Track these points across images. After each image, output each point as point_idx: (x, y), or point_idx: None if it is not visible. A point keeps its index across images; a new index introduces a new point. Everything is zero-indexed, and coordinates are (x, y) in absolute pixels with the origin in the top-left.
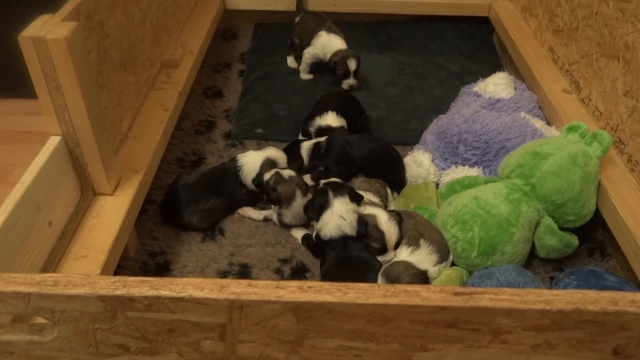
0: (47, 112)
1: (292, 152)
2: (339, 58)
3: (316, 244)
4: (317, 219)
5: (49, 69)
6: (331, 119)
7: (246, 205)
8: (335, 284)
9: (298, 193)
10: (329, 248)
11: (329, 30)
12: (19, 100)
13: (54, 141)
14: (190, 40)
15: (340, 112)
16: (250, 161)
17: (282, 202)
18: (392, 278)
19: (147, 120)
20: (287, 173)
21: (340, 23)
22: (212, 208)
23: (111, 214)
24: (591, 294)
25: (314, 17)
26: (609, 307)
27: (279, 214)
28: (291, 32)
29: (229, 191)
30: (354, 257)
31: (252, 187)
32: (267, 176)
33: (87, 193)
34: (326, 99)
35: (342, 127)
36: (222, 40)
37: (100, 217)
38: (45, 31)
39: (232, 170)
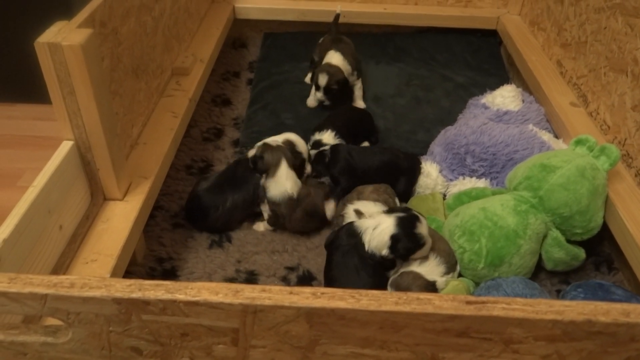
0: (60, 117)
1: None
2: (317, 69)
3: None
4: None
5: (64, 74)
6: (327, 137)
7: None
8: (349, 291)
9: (283, 162)
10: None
11: (337, 49)
12: (29, 105)
13: (66, 146)
14: (200, 48)
15: (340, 132)
16: (269, 141)
17: (267, 170)
18: (402, 289)
19: (157, 127)
20: (272, 140)
21: (348, 34)
22: (232, 206)
23: (121, 219)
24: (602, 305)
25: (334, 38)
26: (620, 318)
27: (265, 188)
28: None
29: (246, 182)
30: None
31: None
32: (254, 149)
33: (98, 198)
34: (334, 116)
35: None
36: (232, 49)
37: (110, 222)
38: (61, 37)
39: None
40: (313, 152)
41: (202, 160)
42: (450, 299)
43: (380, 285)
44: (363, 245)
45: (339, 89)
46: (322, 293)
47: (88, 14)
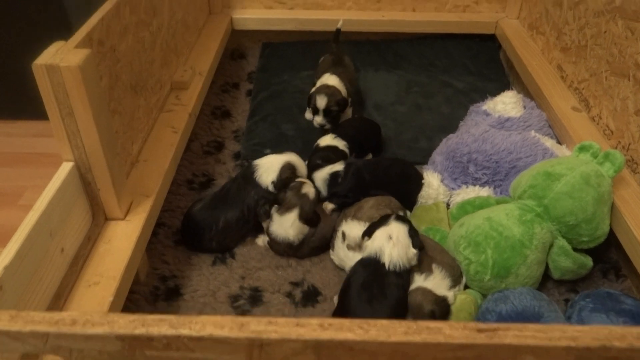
0: (59, 138)
1: None
2: (313, 91)
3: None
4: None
5: (62, 95)
6: (325, 140)
7: (257, 211)
8: (357, 321)
9: (295, 211)
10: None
11: (334, 73)
12: (29, 122)
13: (66, 167)
14: (199, 61)
15: (348, 140)
16: (269, 162)
17: (280, 205)
18: (414, 306)
19: (158, 143)
20: (306, 189)
21: (346, 42)
22: (226, 226)
23: (123, 239)
24: (617, 329)
25: (334, 60)
26: (636, 343)
27: (271, 216)
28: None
29: (240, 200)
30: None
31: (268, 187)
32: (293, 180)
33: (99, 218)
34: (344, 125)
35: (334, 147)
36: (230, 60)
37: (111, 242)
38: (58, 59)
39: (244, 173)
40: (322, 175)
41: (203, 174)
42: (462, 327)
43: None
44: (383, 266)
45: (339, 110)
46: (330, 324)
47: (85, 33)
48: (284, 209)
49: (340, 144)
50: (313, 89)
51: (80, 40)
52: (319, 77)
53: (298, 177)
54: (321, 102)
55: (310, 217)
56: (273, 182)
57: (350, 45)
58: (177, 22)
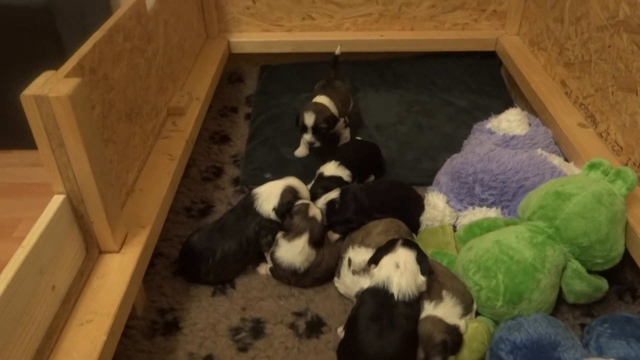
0: (50, 170)
1: None
2: (301, 109)
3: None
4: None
5: (52, 126)
6: (329, 169)
7: (257, 242)
8: None
9: (305, 236)
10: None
11: (324, 93)
12: (25, 152)
13: (57, 200)
14: (196, 86)
15: (348, 165)
16: (269, 189)
17: (288, 231)
18: (424, 337)
19: (154, 172)
20: (313, 212)
21: (345, 63)
22: (223, 258)
23: (117, 273)
24: None
25: (324, 84)
26: None
27: (276, 241)
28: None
29: (238, 231)
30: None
31: (269, 215)
32: (297, 203)
33: (93, 252)
34: (342, 149)
35: (339, 178)
36: (228, 83)
37: (106, 277)
38: (47, 89)
39: (244, 203)
40: (320, 203)
41: (202, 201)
42: None
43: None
44: (391, 296)
45: (328, 128)
46: None
47: (76, 61)
48: (293, 234)
49: (345, 173)
50: (302, 107)
51: (70, 69)
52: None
53: (300, 199)
54: (309, 119)
55: (320, 240)
56: (274, 209)
57: (349, 66)
58: (173, 47)
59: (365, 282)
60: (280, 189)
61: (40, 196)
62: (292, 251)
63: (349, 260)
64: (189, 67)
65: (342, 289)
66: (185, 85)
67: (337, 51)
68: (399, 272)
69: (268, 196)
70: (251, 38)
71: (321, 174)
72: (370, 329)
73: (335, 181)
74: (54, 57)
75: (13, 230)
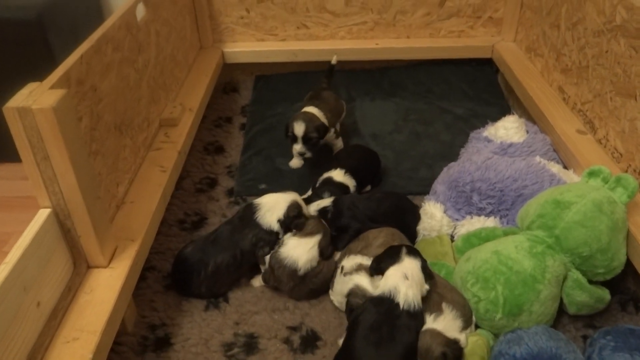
0: (35, 183)
1: None
2: (290, 119)
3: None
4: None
5: (36, 139)
6: (337, 175)
7: (253, 253)
8: None
9: (317, 238)
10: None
11: (311, 104)
12: (16, 165)
13: (42, 214)
14: (189, 97)
15: (350, 171)
16: (272, 201)
17: (298, 229)
18: (422, 350)
19: (145, 184)
20: (324, 223)
21: (340, 71)
22: (215, 270)
23: (105, 288)
24: None
25: (312, 95)
26: None
27: (282, 241)
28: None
29: (232, 243)
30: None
31: (270, 226)
32: (300, 219)
33: (80, 267)
34: (342, 156)
35: (346, 187)
36: (223, 94)
37: (93, 292)
38: (31, 101)
39: (242, 214)
40: (312, 208)
41: (195, 213)
42: None
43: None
44: (396, 306)
45: (319, 137)
46: None
47: (62, 72)
48: (305, 233)
49: (351, 183)
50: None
51: (56, 81)
52: None
53: (304, 216)
54: (299, 128)
55: (327, 249)
56: (279, 220)
57: (345, 75)
58: (166, 58)
59: (357, 279)
60: (286, 202)
61: (32, 210)
62: (301, 248)
63: (342, 268)
64: (182, 77)
65: (336, 301)
66: (178, 96)
67: (333, 60)
68: (407, 283)
69: (272, 207)
70: (245, 48)
71: (329, 179)
72: (369, 339)
73: (342, 189)
74: (45, 70)
75: (3, 245)
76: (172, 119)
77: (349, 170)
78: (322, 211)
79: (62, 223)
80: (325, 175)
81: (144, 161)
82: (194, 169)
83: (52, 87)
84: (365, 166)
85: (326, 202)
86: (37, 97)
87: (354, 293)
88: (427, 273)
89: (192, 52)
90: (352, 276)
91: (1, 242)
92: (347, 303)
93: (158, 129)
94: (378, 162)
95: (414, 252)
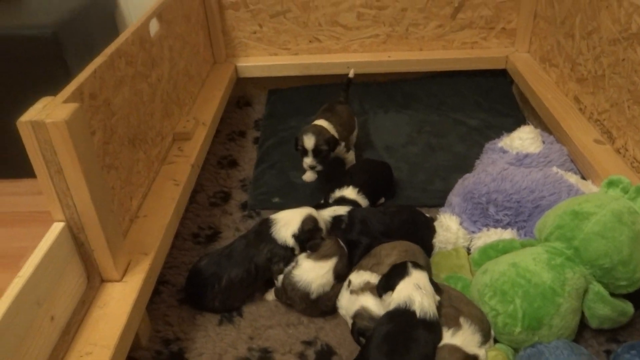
0: (49, 197)
1: None
2: (300, 132)
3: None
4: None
5: (50, 153)
6: (349, 193)
7: (268, 268)
8: None
9: (333, 261)
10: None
11: (323, 117)
12: (33, 180)
13: (56, 228)
14: (202, 111)
15: (361, 187)
16: (288, 216)
17: (312, 250)
18: None
19: (159, 197)
20: (342, 244)
21: (353, 84)
22: (228, 285)
23: (119, 302)
24: None
25: (325, 108)
26: None
27: (295, 261)
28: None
29: (247, 258)
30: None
31: (285, 242)
32: (316, 233)
33: (94, 281)
34: (353, 170)
35: (358, 204)
36: (236, 108)
37: (107, 306)
38: (45, 114)
39: (258, 229)
40: (326, 215)
41: (209, 227)
42: None
43: None
44: (414, 314)
45: (329, 150)
46: None
47: (76, 87)
48: (320, 255)
49: (364, 202)
50: (301, 130)
51: (69, 95)
52: None
53: (320, 229)
54: (309, 141)
55: (343, 273)
56: (294, 235)
57: (358, 88)
58: (179, 72)
59: (363, 301)
60: (301, 216)
61: (48, 225)
62: (315, 272)
63: (349, 282)
64: (196, 92)
65: (341, 311)
66: (191, 111)
67: (351, 74)
68: (420, 292)
69: (287, 222)
70: (258, 62)
71: (342, 198)
72: (381, 349)
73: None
74: (61, 85)
75: (19, 260)
76: (185, 133)
77: (362, 188)
78: (337, 219)
79: (75, 236)
80: (338, 193)
81: (157, 175)
82: (208, 183)
83: (65, 101)
84: (378, 181)
85: (342, 210)
86: (50, 110)
87: (361, 315)
88: (436, 285)
89: (206, 67)
90: (359, 297)
91: (18, 256)
92: (354, 325)
93: (171, 143)
94: (390, 175)
95: (419, 266)
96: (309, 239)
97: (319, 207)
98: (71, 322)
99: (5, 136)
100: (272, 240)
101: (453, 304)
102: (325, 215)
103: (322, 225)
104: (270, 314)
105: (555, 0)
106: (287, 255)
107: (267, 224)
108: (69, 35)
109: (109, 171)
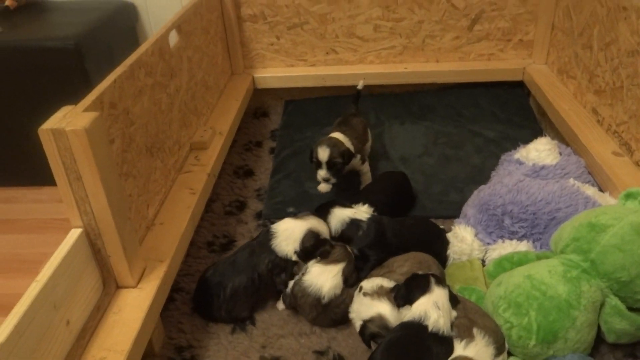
0: (67, 204)
1: (321, 215)
2: (315, 144)
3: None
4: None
5: (69, 160)
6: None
7: (270, 279)
8: None
9: (341, 266)
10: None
11: (338, 130)
12: (55, 188)
13: (74, 234)
14: (220, 121)
15: (377, 205)
16: (289, 229)
17: (322, 257)
18: None
19: (175, 206)
20: (350, 251)
21: (370, 95)
22: (233, 293)
23: (133, 308)
24: None
25: (341, 121)
26: None
27: (305, 268)
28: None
29: (250, 266)
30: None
31: (286, 255)
32: (318, 247)
33: (110, 287)
34: (368, 188)
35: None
36: (253, 118)
37: (122, 312)
38: (65, 123)
39: (261, 240)
40: (343, 216)
41: (224, 235)
42: None
43: None
44: (426, 328)
45: (344, 163)
46: None
47: (96, 96)
48: (329, 260)
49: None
50: (317, 142)
51: (90, 104)
52: None
53: (324, 241)
54: (323, 154)
55: (351, 277)
56: (296, 252)
57: (374, 99)
58: (197, 83)
59: (381, 308)
60: (301, 232)
61: (68, 231)
62: (326, 275)
63: (360, 287)
64: (213, 102)
65: (352, 314)
66: (209, 120)
67: (360, 85)
68: (438, 312)
69: (287, 237)
70: (275, 73)
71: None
72: (390, 352)
73: None
74: (83, 95)
75: (40, 266)
76: (202, 143)
77: (377, 208)
78: (355, 223)
79: (92, 243)
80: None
81: (174, 183)
82: (224, 192)
83: (85, 110)
84: (395, 193)
85: (363, 215)
86: (70, 119)
87: (374, 321)
88: (453, 300)
89: (224, 78)
90: (374, 302)
91: (38, 262)
92: (364, 327)
93: (189, 152)
94: (407, 182)
95: (441, 281)
96: (312, 253)
97: (342, 204)
98: (86, 327)
99: (29, 144)
100: (273, 252)
101: (468, 315)
102: (345, 215)
103: (326, 235)
104: (282, 323)
105: (573, 12)
106: (288, 267)
107: (268, 236)
108: (90, 47)
109: (126, 179)
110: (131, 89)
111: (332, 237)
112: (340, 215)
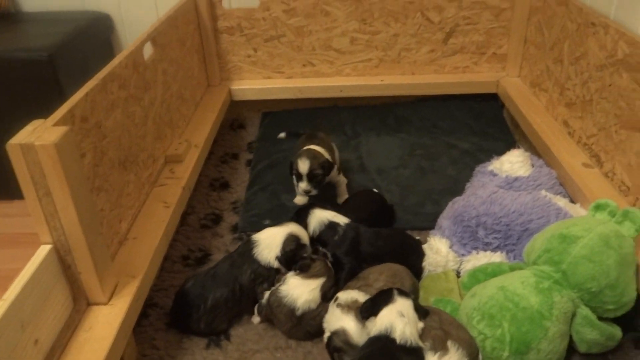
0: (36, 219)
1: (300, 216)
2: (294, 157)
3: None
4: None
5: (39, 175)
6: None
7: (252, 289)
8: None
9: (321, 281)
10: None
11: (311, 143)
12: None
13: (43, 251)
14: (195, 133)
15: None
16: (270, 237)
17: (302, 270)
18: None
19: (148, 220)
20: (330, 266)
21: (346, 108)
22: (214, 305)
23: (104, 326)
24: None
25: (308, 135)
26: None
27: (283, 278)
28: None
29: (231, 278)
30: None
31: (269, 263)
32: (299, 251)
33: (80, 304)
34: (345, 205)
35: None
36: (230, 130)
37: (92, 330)
38: (34, 137)
39: (242, 250)
40: (322, 218)
41: (199, 249)
42: None
43: None
44: (393, 341)
45: (324, 174)
46: None
47: (67, 110)
48: (310, 275)
49: None
50: (296, 154)
51: (60, 118)
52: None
53: (303, 246)
54: (304, 166)
55: (329, 292)
56: (278, 258)
57: (351, 111)
58: (172, 95)
59: (345, 323)
60: (282, 237)
61: (38, 246)
62: (303, 288)
63: (336, 298)
64: (189, 114)
65: (324, 324)
66: (184, 133)
67: (282, 135)
68: (403, 320)
69: (269, 244)
70: (252, 85)
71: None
72: None
73: None
74: (56, 108)
75: (9, 282)
76: (177, 155)
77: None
78: (333, 226)
79: (62, 259)
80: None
81: (148, 197)
82: (199, 205)
83: (55, 124)
84: (376, 210)
85: (342, 220)
86: (40, 133)
87: (338, 334)
88: (420, 311)
89: (200, 90)
90: (342, 315)
91: (7, 278)
92: (330, 339)
93: (163, 165)
94: (384, 202)
95: (405, 293)
96: (293, 257)
97: (322, 207)
98: (55, 345)
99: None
100: (255, 261)
101: (443, 327)
102: (324, 216)
103: (306, 241)
104: (257, 337)
105: (545, 27)
106: (271, 276)
107: (249, 245)
108: (64, 59)
109: (98, 193)
110: (104, 102)
111: (310, 238)
112: (320, 216)
